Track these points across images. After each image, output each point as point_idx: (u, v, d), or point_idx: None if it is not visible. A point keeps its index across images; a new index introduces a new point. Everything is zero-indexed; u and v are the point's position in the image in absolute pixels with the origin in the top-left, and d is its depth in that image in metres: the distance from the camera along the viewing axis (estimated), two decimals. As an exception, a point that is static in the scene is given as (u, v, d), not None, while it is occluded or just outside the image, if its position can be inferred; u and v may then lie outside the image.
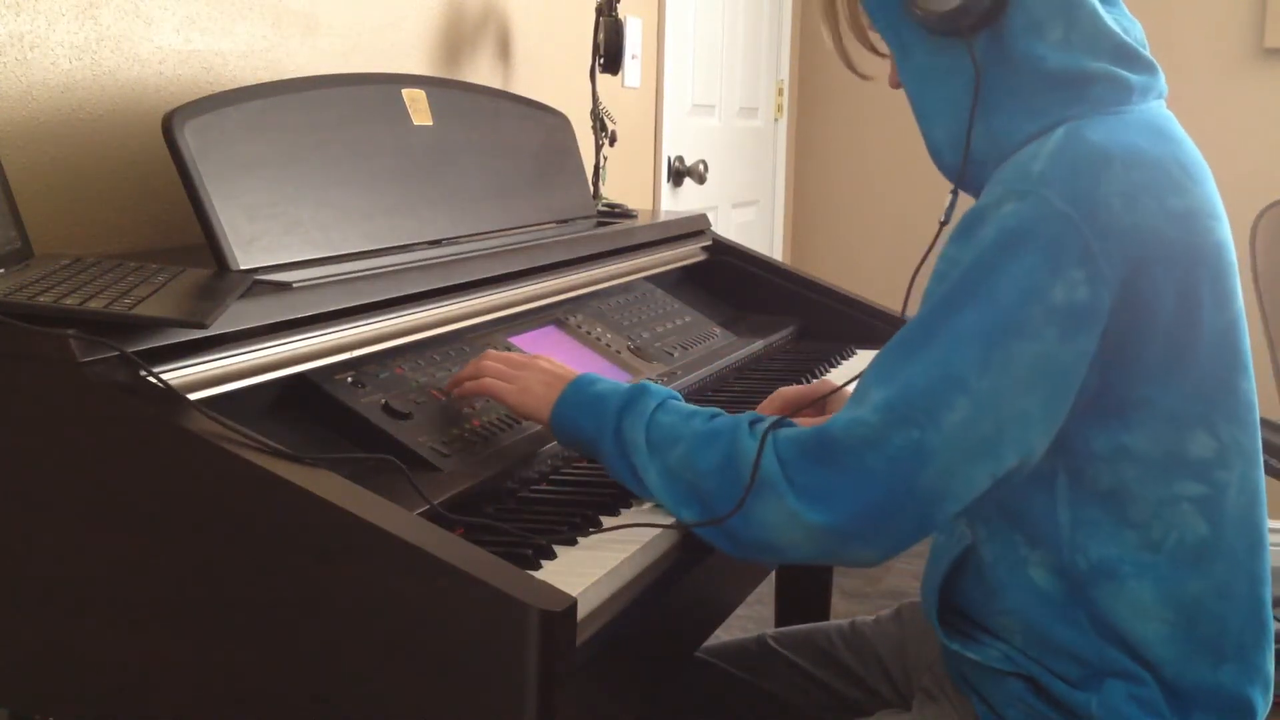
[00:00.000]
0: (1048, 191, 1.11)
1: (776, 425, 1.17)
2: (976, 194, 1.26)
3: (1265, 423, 2.88)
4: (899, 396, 1.11)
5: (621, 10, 2.27)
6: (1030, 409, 1.12)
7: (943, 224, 1.31)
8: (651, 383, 1.29)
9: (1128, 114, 1.19)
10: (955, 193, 1.30)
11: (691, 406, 1.24)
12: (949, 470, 1.11)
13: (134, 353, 1.03)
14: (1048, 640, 1.21)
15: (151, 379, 1.03)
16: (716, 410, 1.23)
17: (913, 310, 1.24)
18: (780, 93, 3.87)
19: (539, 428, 1.37)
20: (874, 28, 1.28)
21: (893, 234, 3.99)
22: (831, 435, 1.13)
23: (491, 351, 1.36)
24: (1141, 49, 1.23)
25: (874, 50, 1.31)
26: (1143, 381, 1.15)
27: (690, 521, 1.18)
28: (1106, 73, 1.19)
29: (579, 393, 1.27)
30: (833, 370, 1.94)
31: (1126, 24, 1.24)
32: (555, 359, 1.35)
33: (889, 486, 1.11)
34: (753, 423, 1.19)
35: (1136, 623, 1.19)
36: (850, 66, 1.37)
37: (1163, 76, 1.25)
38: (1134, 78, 1.20)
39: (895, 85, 1.31)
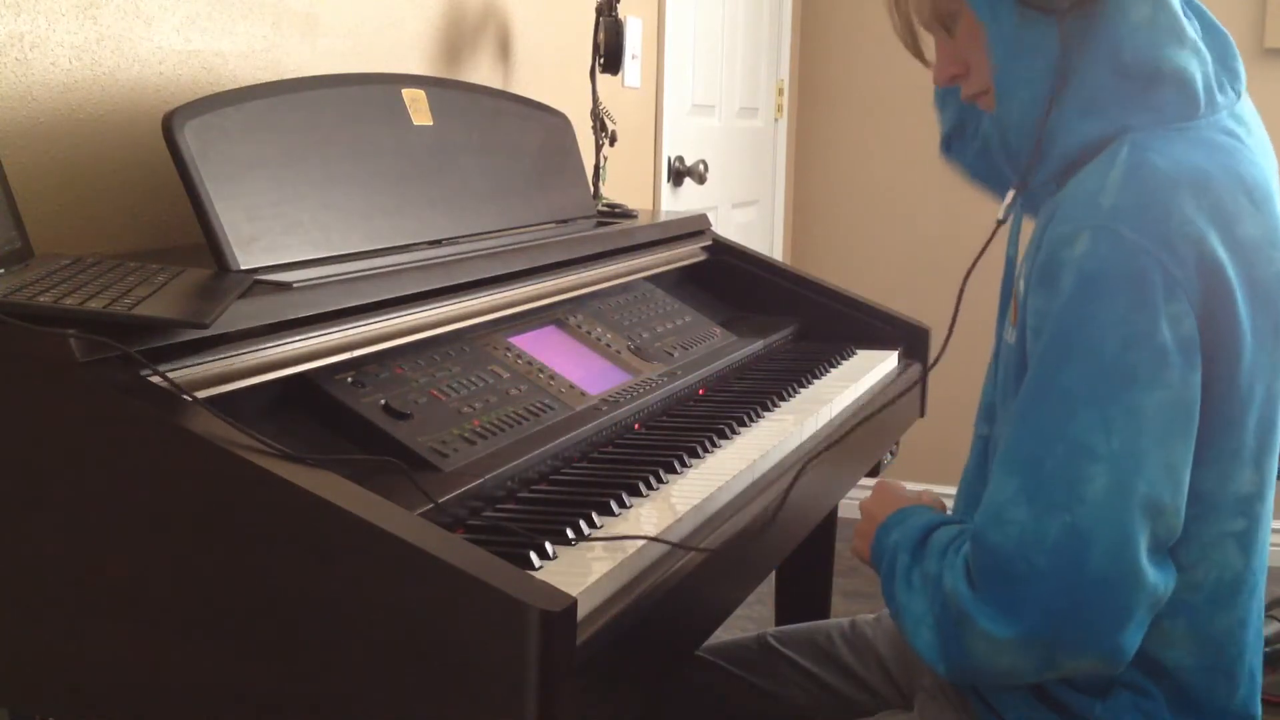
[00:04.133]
0: (1121, 226, 1.08)
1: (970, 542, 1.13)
2: (1022, 178, 1.25)
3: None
4: (1033, 481, 1.07)
5: (621, 10, 2.27)
6: (1174, 455, 1.07)
7: (1000, 222, 1.28)
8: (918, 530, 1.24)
9: (1191, 130, 1.16)
10: (1016, 197, 1.27)
11: (946, 534, 1.19)
12: (1115, 544, 1.05)
13: (134, 353, 1.03)
14: None
15: (154, 378, 1.03)
16: (963, 529, 1.19)
17: (966, 323, 1.23)
18: (780, 93, 3.87)
19: (539, 428, 1.38)
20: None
21: (893, 234, 3.99)
22: (987, 542, 1.09)
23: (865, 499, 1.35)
24: (1226, 54, 1.22)
25: (945, 29, 1.26)
26: (1222, 421, 1.12)
27: (931, 659, 1.16)
28: (1179, 74, 1.16)
29: (876, 545, 1.26)
30: (832, 370, 1.94)
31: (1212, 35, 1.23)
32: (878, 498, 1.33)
33: (1063, 582, 1.06)
34: (960, 545, 1.15)
35: (1162, 650, 1.18)
36: (917, 50, 1.32)
37: (1242, 78, 1.23)
38: (1199, 86, 1.17)
39: (944, 81, 1.27)
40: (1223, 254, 1.09)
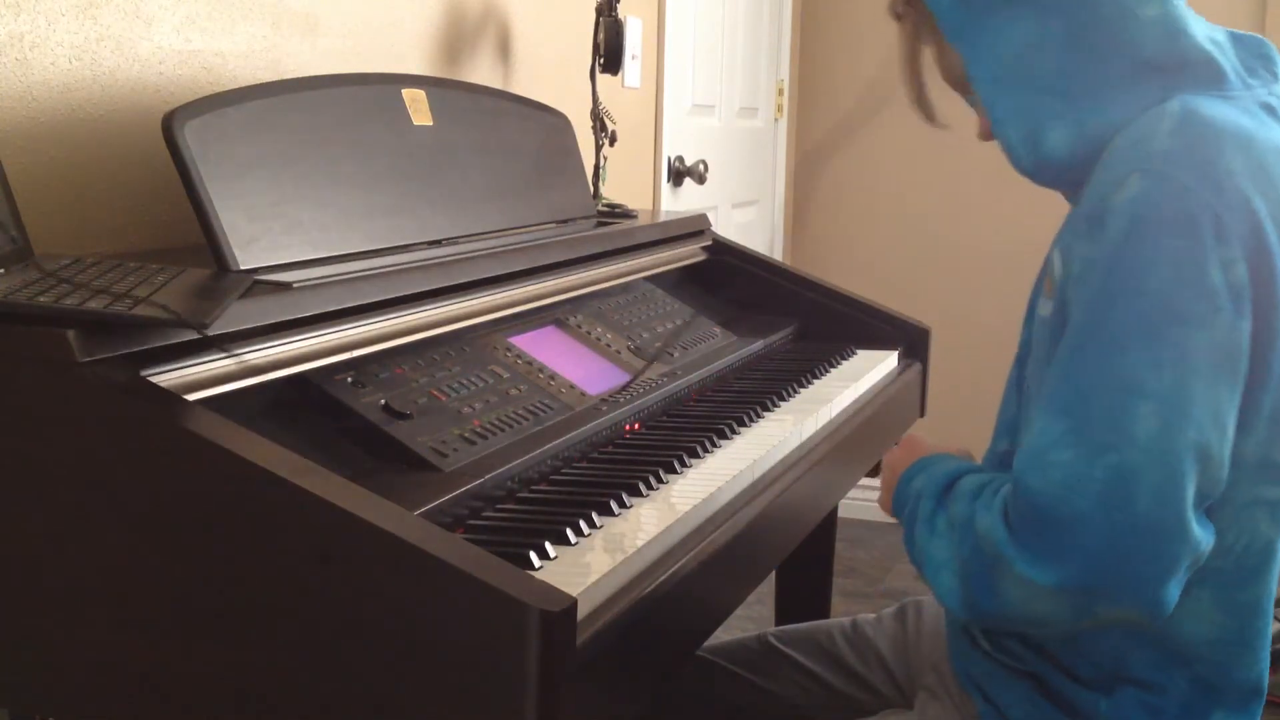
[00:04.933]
0: (1172, 169, 1.07)
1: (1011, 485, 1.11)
2: (1067, 190, 1.25)
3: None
4: (1078, 421, 1.05)
5: (621, 10, 2.27)
6: (1221, 401, 1.05)
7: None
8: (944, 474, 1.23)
9: (1231, 98, 1.17)
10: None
11: (975, 480, 1.18)
12: (1162, 486, 1.02)
13: (134, 353, 1.03)
14: (1070, 640, 1.21)
15: (154, 378, 1.03)
16: (996, 475, 1.18)
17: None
18: (780, 93, 3.87)
19: (539, 428, 1.38)
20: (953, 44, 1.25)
21: (893, 234, 3.99)
22: (1029, 487, 1.06)
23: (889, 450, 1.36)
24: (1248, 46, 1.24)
25: (963, 89, 1.28)
26: (1260, 381, 1.09)
27: (972, 618, 1.16)
28: (1204, 54, 1.18)
29: (899, 492, 1.26)
30: (832, 370, 1.94)
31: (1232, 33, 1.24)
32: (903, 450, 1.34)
33: (1109, 526, 1.02)
34: (998, 487, 1.13)
35: (1186, 623, 1.17)
36: (930, 117, 1.35)
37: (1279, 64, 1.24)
38: (1226, 65, 1.19)
39: (986, 137, 1.28)
40: (1264, 213, 1.08)
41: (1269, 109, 1.19)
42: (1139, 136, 1.12)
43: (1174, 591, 1.05)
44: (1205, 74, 1.18)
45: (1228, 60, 1.20)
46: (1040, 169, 1.22)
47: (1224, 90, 1.18)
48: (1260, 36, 1.27)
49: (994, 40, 1.21)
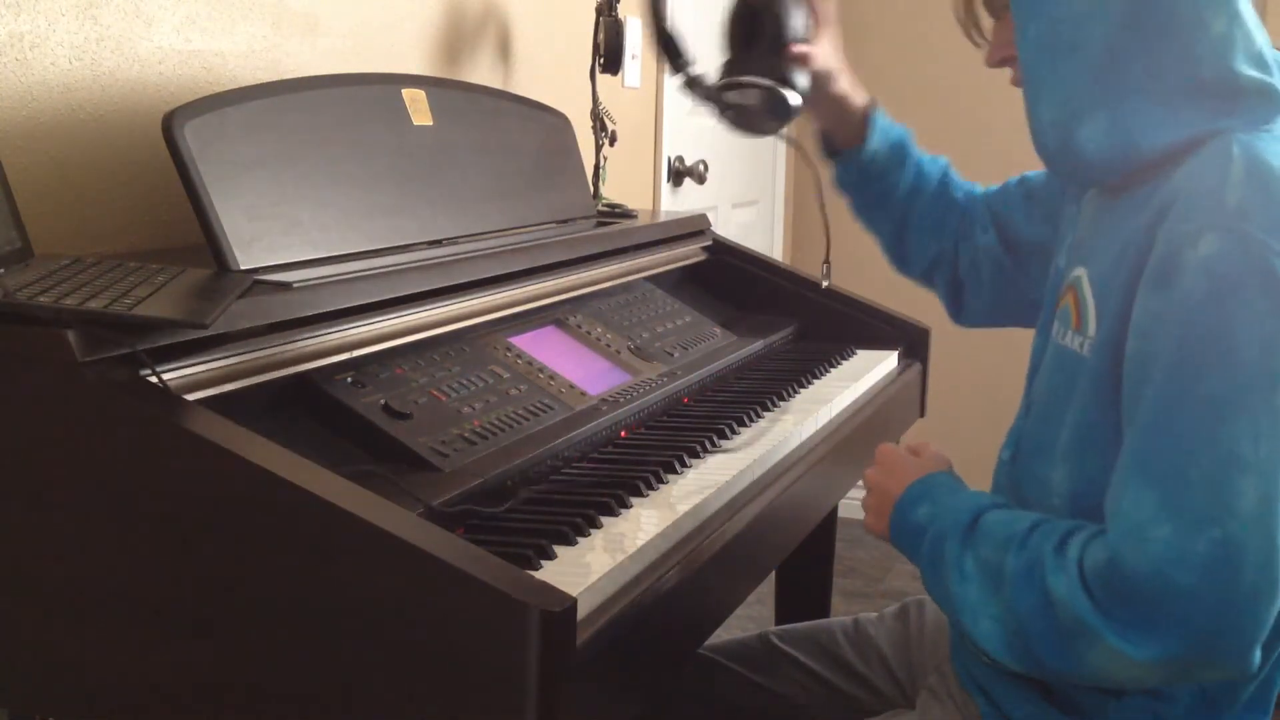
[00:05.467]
0: (1250, 226, 1.04)
1: (1082, 547, 1.08)
2: (1079, 184, 1.23)
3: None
4: (1176, 494, 1.02)
5: (621, 10, 2.27)
6: None
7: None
8: (957, 503, 1.21)
9: (1278, 131, 1.14)
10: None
11: (1003, 526, 1.15)
12: (1267, 557, 1.01)
13: (134, 353, 1.03)
14: None
15: (154, 378, 1.03)
16: (1033, 521, 1.14)
17: None
18: (780, 93, 3.87)
19: (539, 428, 1.38)
20: None
21: (893, 234, 3.97)
22: (1126, 562, 1.03)
23: (870, 469, 1.33)
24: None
25: (993, 14, 1.24)
26: None
27: (1025, 670, 1.13)
28: (1259, 84, 1.13)
29: (900, 522, 1.24)
30: (832, 370, 1.94)
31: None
32: (902, 460, 1.30)
33: (1213, 600, 1.01)
34: (1060, 545, 1.10)
35: None
36: (970, 30, 1.30)
37: None
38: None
39: (995, 64, 1.24)
40: None
41: None
42: (1208, 187, 1.07)
43: (1260, 647, 1.04)
44: (1257, 105, 1.13)
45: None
46: (1062, 158, 1.18)
47: (1271, 122, 1.14)
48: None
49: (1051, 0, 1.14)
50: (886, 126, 1.60)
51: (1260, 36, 1.16)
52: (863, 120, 1.59)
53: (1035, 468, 1.23)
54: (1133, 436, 1.07)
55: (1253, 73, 1.13)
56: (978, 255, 1.59)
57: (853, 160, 1.61)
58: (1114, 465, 1.12)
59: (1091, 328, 1.16)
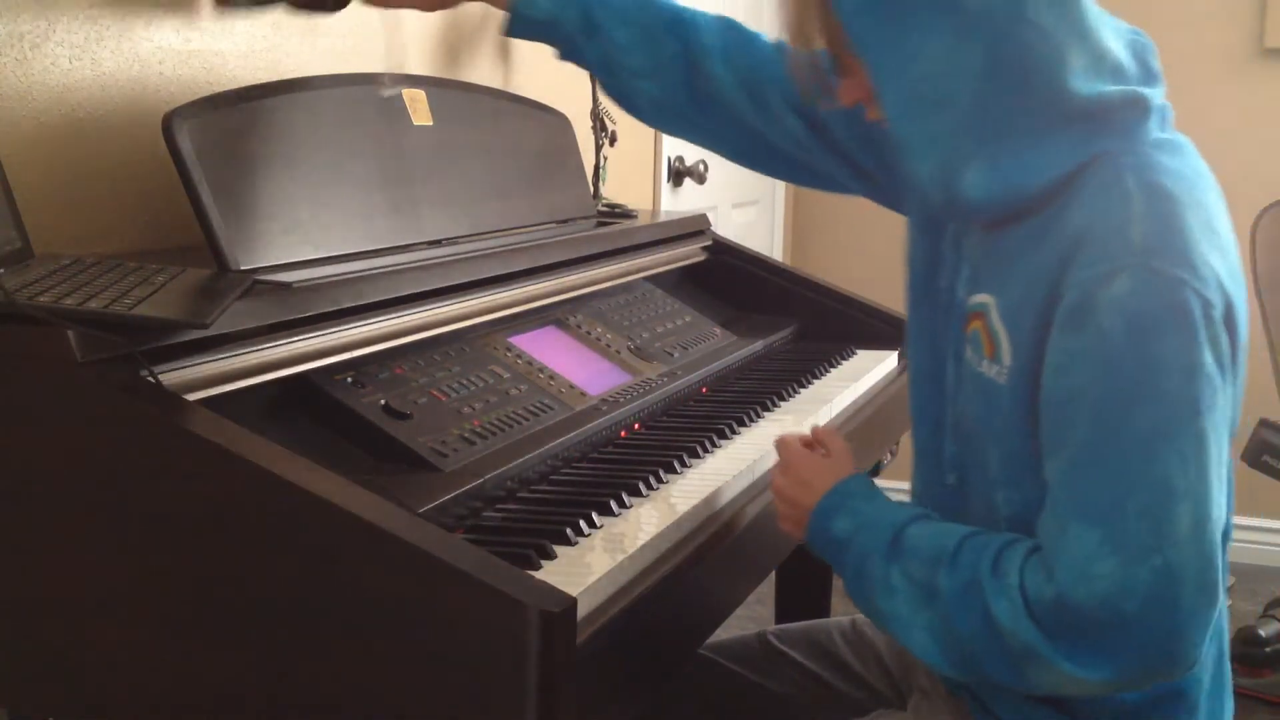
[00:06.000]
0: (1159, 262, 1.06)
1: (1020, 571, 1.10)
2: (965, 222, 1.23)
3: (1265, 423, 2.88)
4: (1117, 529, 1.05)
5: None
6: (1223, 470, 1.09)
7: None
8: (873, 514, 1.21)
9: (1159, 140, 1.15)
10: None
11: (928, 541, 1.16)
12: (1202, 574, 1.05)
13: (134, 353, 1.03)
14: None
15: (151, 379, 1.03)
16: (960, 537, 1.15)
17: None
18: (780, 93, 3.86)
19: (539, 427, 1.38)
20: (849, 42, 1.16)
21: (893, 234, 3.97)
22: (1074, 599, 1.06)
23: (776, 476, 1.30)
24: (1148, 58, 1.19)
25: (841, 57, 1.20)
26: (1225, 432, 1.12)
27: (965, 679, 1.16)
28: (1124, 96, 1.14)
29: (817, 534, 1.23)
30: (832, 370, 1.94)
31: (1128, 34, 1.20)
32: (806, 464, 1.28)
33: (1158, 622, 1.05)
34: (995, 565, 1.11)
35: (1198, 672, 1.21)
36: (806, 95, 1.28)
37: (1160, 74, 1.21)
38: (1149, 91, 1.16)
39: (850, 104, 1.21)
40: (1223, 272, 1.09)
41: (1173, 135, 1.18)
42: (1113, 226, 1.09)
43: (1201, 649, 1.08)
44: (1128, 116, 1.14)
45: (1148, 94, 1.16)
46: (950, 207, 1.18)
47: (1147, 134, 1.15)
48: (1144, 38, 1.22)
49: (907, 56, 1.12)
50: None
51: (1116, 43, 1.16)
52: None
53: (980, 489, 1.24)
54: (1064, 474, 1.09)
55: (1116, 87, 1.14)
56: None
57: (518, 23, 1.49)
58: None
59: (1006, 358, 1.16)
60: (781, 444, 1.31)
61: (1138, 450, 1.06)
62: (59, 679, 1.06)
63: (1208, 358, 1.06)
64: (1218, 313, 1.07)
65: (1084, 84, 1.12)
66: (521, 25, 1.48)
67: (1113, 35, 1.17)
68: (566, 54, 1.50)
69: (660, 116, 1.55)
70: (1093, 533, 1.06)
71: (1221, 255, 1.10)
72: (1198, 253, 1.08)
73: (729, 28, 1.52)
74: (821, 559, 1.24)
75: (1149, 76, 1.19)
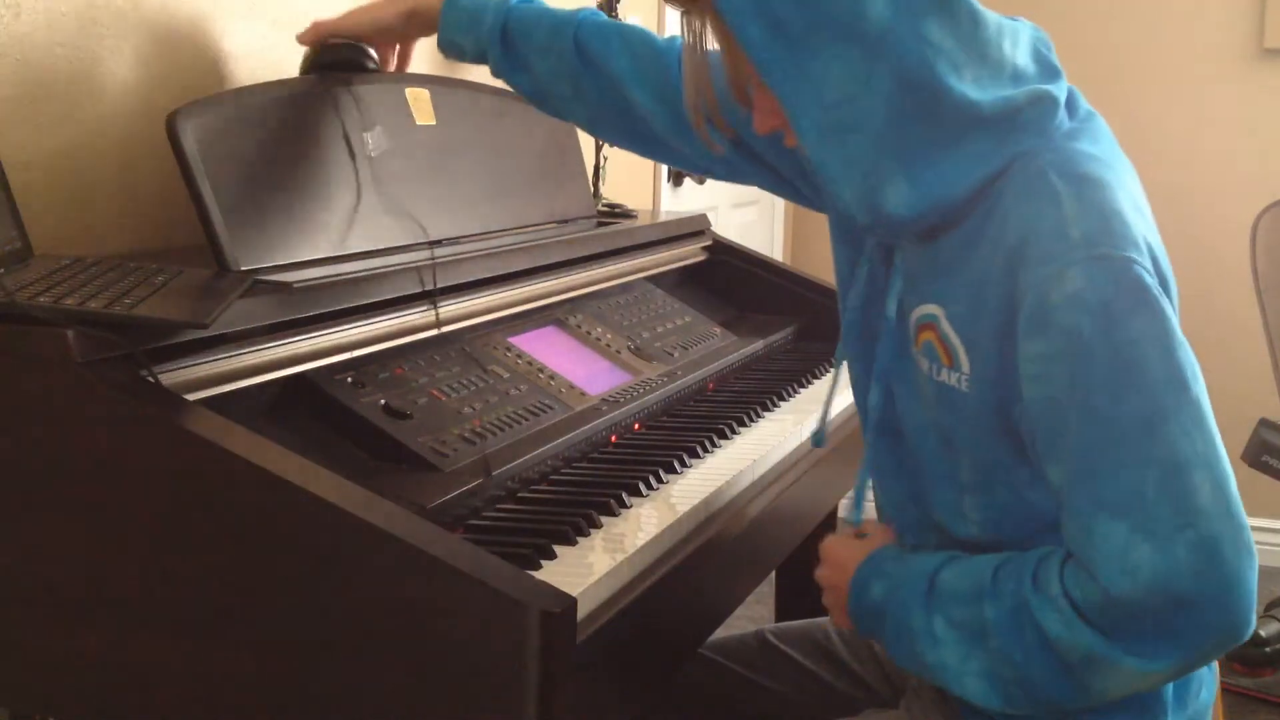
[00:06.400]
0: (1102, 249, 1.07)
1: (1061, 580, 1.09)
2: (898, 241, 1.22)
3: (1265, 423, 2.88)
4: (1141, 515, 1.05)
5: (621, 10, 2.27)
6: (1219, 438, 1.09)
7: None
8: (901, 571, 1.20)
9: (1066, 128, 1.16)
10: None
11: (964, 579, 1.15)
12: (1237, 536, 1.05)
13: (134, 353, 1.03)
14: None
15: (151, 379, 1.03)
16: (995, 565, 1.14)
17: None
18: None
19: (539, 427, 1.38)
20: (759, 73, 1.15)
21: (893, 234, 3.98)
22: (1122, 595, 1.05)
23: (819, 570, 1.29)
24: (1045, 53, 1.19)
25: (742, 97, 1.20)
26: None
27: (1028, 714, 1.14)
28: (1030, 95, 1.14)
29: (858, 607, 1.22)
30: (832, 370, 1.94)
31: (1029, 33, 1.20)
32: (840, 549, 1.27)
33: (1212, 594, 1.05)
34: (1035, 582, 1.11)
35: None
36: (706, 137, 1.26)
37: (1059, 67, 1.20)
38: (1052, 87, 1.16)
39: (766, 131, 1.20)
40: (1157, 247, 1.11)
41: (1084, 119, 1.19)
42: (1049, 227, 1.09)
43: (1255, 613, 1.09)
44: (1036, 113, 1.14)
45: (1049, 87, 1.16)
46: (877, 226, 1.17)
47: (1059, 126, 1.15)
48: (1041, 32, 1.21)
49: (817, 85, 1.12)
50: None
51: (1016, 49, 1.16)
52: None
53: (942, 493, 1.24)
54: (1073, 478, 1.09)
55: (1020, 88, 1.14)
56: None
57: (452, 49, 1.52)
58: (1020, 490, 1.16)
59: (965, 365, 1.16)
60: (824, 544, 1.30)
61: (1139, 435, 1.06)
62: (59, 679, 1.06)
63: (1175, 328, 1.07)
64: (1161, 283, 1.09)
65: (986, 93, 1.13)
66: (452, 51, 1.52)
67: (1011, 43, 1.17)
68: (499, 76, 1.53)
69: (599, 134, 1.59)
70: (1119, 526, 1.05)
71: (1153, 232, 1.12)
72: (1137, 231, 1.09)
73: (640, 43, 1.49)
74: (871, 635, 1.23)
75: (1049, 72, 1.19)
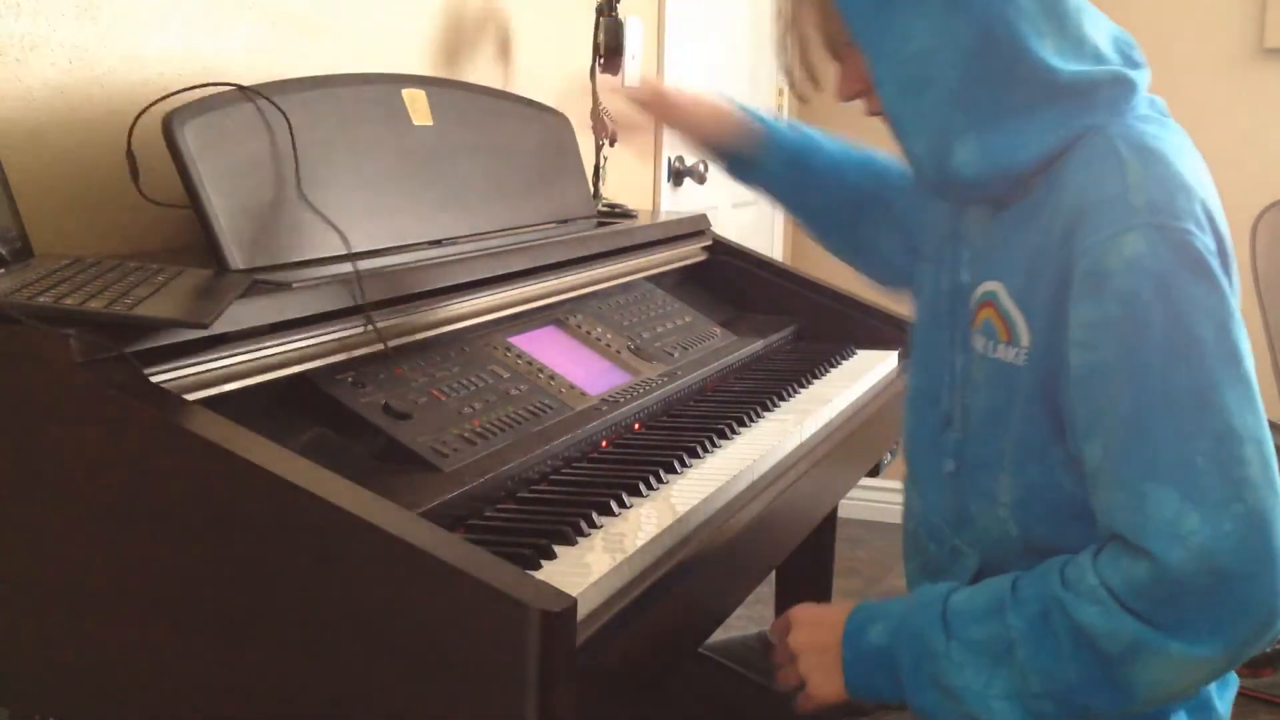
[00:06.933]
0: (1164, 218, 1.07)
1: (1097, 572, 1.07)
2: (965, 202, 1.25)
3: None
4: (1189, 484, 1.04)
5: (621, 10, 2.27)
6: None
7: None
8: (914, 598, 1.19)
9: (1141, 113, 1.17)
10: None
11: (978, 597, 1.14)
12: None
13: (134, 353, 1.03)
14: None
15: (154, 378, 1.03)
16: (1011, 580, 1.13)
17: None
18: (780, 93, 3.87)
19: (539, 427, 1.38)
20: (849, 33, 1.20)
21: (893, 234, 3.98)
22: (1172, 564, 1.03)
23: (790, 638, 1.26)
24: (1128, 47, 1.22)
25: (837, 56, 1.24)
26: None
27: None
28: (1111, 74, 1.16)
29: (857, 657, 1.19)
30: (832, 370, 1.94)
31: (1113, 29, 1.22)
32: (814, 614, 1.25)
33: (1257, 572, 1.03)
34: (1066, 581, 1.09)
35: None
36: (797, 86, 1.29)
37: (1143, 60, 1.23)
38: (1134, 73, 1.18)
39: (848, 98, 1.24)
40: (1218, 221, 1.11)
41: (1162, 114, 1.21)
42: (1112, 194, 1.10)
43: None
44: (1113, 93, 1.16)
45: (1130, 71, 1.18)
46: (946, 185, 1.20)
47: (1134, 110, 1.17)
48: (1128, 36, 1.24)
49: (899, 37, 1.15)
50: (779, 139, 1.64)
51: (1097, 34, 1.19)
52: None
53: (980, 480, 1.23)
54: (1121, 446, 1.08)
55: (1102, 66, 1.17)
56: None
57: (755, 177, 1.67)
58: (1052, 469, 1.15)
59: (1024, 339, 1.16)
60: (793, 610, 1.28)
61: (1191, 404, 1.05)
62: (59, 679, 1.06)
63: (1232, 304, 1.07)
64: (1223, 263, 1.09)
65: (1066, 63, 1.15)
66: (746, 180, 1.63)
67: (1092, 26, 1.19)
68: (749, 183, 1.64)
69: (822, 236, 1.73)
70: (1171, 492, 1.04)
71: (1219, 214, 1.11)
72: (1199, 207, 1.09)
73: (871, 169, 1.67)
74: (873, 696, 1.20)
75: (1131, 63, 1.20)
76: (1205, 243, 1.08)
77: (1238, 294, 1.11)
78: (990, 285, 1.21)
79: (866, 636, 1.19)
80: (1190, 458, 1.04)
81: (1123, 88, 1.17)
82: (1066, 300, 1.11)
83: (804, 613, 1.27)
